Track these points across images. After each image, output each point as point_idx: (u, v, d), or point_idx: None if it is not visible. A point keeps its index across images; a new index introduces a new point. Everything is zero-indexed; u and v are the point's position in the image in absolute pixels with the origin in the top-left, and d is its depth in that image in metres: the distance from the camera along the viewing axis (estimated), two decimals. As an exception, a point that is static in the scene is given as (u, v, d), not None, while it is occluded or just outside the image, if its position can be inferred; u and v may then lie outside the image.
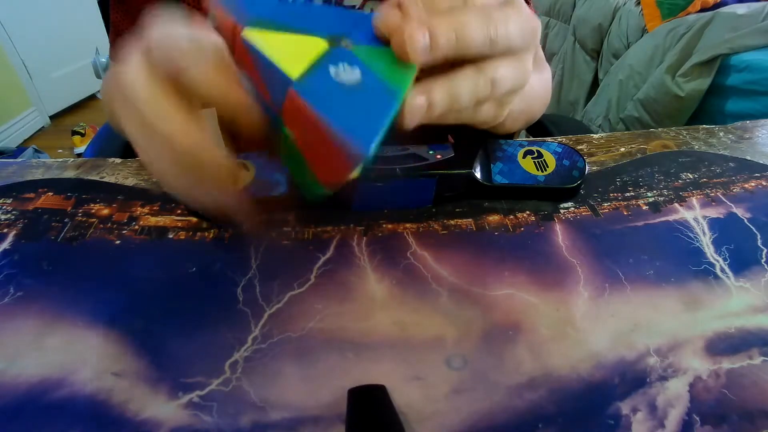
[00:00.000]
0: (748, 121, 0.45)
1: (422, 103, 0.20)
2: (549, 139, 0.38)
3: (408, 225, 0.31)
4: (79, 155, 1.88)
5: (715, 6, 1.40)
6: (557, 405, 0.22)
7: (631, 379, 0.23)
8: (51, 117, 2.31)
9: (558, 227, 0.32)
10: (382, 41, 0.21)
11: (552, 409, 0.22)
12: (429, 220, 0.32)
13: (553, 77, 1.87)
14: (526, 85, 0.24)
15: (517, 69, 0.23)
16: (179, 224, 0.31)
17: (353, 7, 0.39)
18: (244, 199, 0.22)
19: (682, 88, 1.30)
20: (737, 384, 0.23)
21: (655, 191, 0.35)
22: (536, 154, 0.35)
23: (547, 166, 0.34)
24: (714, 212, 0.33)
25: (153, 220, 0.31)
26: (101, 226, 0.31)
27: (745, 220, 0.33)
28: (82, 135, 2.06)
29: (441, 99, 0.21)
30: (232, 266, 0.28)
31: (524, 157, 0.35)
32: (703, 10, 1.40)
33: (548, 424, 0.21)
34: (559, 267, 0.29)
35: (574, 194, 0.34)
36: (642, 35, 1.51)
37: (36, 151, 1.89)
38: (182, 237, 0.30)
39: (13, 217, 0.31)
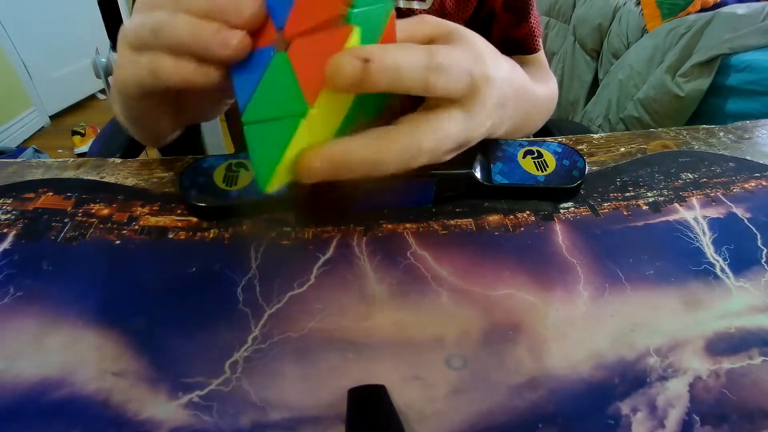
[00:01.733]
0: (748, 121, 0.45)
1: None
2: (549, 139, 0.38)
3: (408, 225, 0.31)
4: (79, 155, 1.88)
5: (715, 6, 1.40)
6: (557, 405, 0.22)
7: (631, 379, 0.23)
8: (51, 117, 2.31)
9: (558, 227, 0.32)
10: None
11: (552, 409, 0.22)
12: (429, 220, 0.32)
13: (553, 77, 1.87)
14: (473, 142, 0.24)
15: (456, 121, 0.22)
16: (179, 224, 0.31)
17: None
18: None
19: (682, 88, 1.30)
20: (737, 384, 0.23)
21: (655, 191, 0.35)
22: (536, 154, 0.35)
23: (547, 166, 0.34)
24: (714, 212, 0.33)
25: (153, 220, 0.31)
26: (101, 226, 0.31)
27: (745, 220, 0.33)
28: (82, 135, 2.06)
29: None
30: (232, 266, 0.28)
31: (524, 157, 0.35)
32: (703, 10, 1.40)
33: (548, 424, 0.21)
34: (559, 267, 0.29)
35: (574, 194, 0.34)
36: (642, 35, 1.52)
37: (36, 151, 1.89)
38: (182, 237, 0.30)
39: (13, 217, 0.31)
